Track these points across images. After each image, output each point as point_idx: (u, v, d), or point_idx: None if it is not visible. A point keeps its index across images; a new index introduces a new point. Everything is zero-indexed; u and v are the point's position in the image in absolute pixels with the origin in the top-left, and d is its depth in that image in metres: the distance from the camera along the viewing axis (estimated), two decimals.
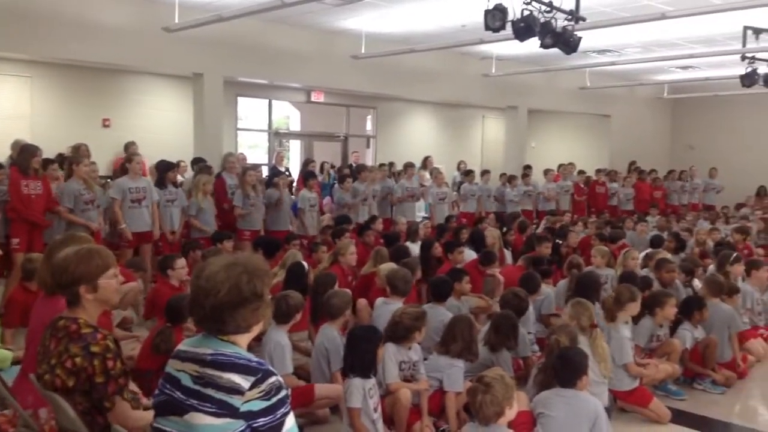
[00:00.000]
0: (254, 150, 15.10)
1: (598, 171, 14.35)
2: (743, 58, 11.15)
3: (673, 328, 5.74)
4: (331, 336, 4.63)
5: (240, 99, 14.01)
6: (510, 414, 3.40)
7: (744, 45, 10.58)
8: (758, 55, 11.06)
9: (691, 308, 5.76)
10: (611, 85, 16.49)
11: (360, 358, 3.95)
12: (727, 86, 14.49)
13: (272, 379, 2.07)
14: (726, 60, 12.53)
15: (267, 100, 14.67)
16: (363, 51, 11.95)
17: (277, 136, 15.57)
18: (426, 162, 13.52)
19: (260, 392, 2.03)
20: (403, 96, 15.02)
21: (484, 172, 12.88)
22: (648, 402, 4.94)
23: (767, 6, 8.65)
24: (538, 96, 15.70)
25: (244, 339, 2.18)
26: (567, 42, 7.86)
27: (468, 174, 12.61)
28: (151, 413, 2.39)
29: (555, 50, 8.27)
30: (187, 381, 2.11)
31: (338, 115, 15.97)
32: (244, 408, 2.02)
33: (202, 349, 2.14)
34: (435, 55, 13.05)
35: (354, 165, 13.37)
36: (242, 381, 2.04)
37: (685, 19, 9.52)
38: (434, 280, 5.91)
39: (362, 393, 3.84)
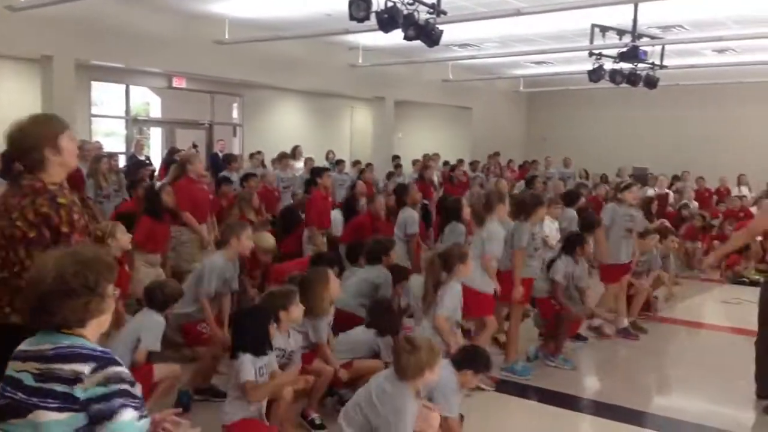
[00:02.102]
0: (111, 138, 14.31)
1: (460, 161, 14.87)
2: (591, 54, 11.91)
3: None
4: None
5: (94, 84, 13.22)
6: (430, 377, 3.50)
7: (591, 42, 11.30)
8: (604, 52, 11.84)
9: (572, 244, 6.05)
10: (472, 78, 17.13)
11: (248, 336, 3.84)
12: (577, 81, 15.42)
13: (116, 368, 2.01)
14: (575, 56, 13.33)
15: (124, 86, 13.96)
16: (227, 36, 11.64)
17: (136, 123, 14.85)
18: (295, 152, 13.44)
19: (99, 378, 1.98)
20: (270, 84, 14.79)
21: (356, 163, 13.02)
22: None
23: (613, 5, 9.32)
24: (404, 87, 16.01)
25: (91, 332, 2.11)
26: (429, 35, 8.06)
27: (338, 164, 12.71)
28: None
29: (419, 43, 8.46)
30: (29, 380, 2.01)
31: (202, 102, 15.49)
32: (84, 396, 1.96)
33: (43, 345, 2.05)
34: (302, 43, 12.96)
35: (220, 153, 13.06)
36: (83, 367, 1.98)
37: (538, 16, 10.04)
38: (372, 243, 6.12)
39: (254, 368, 3.75)
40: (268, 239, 6.26)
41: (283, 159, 11.09)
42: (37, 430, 1.97)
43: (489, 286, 5.32)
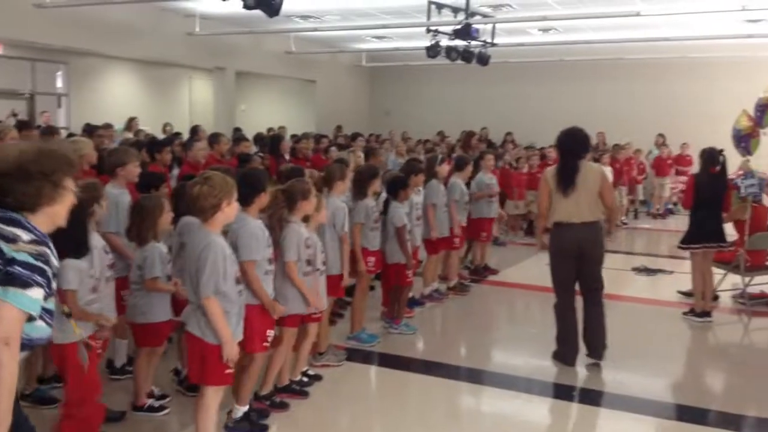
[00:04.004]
0: None
1: (306, 134, 14.82)
2: (428, 30, 12.26)
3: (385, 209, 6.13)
4: None
5: None
6: (228, 212, 3.51)
7: (428, 18, 11.62)
8: (441, 29, 12.23)
9: (396, 187, 6.16)
10: (315, 51, 17.07)
11: (66, 237, 3.58)
12: (417, 57, 15.78)
13: (48, 250, 2.19)
14: (414, 32, 13.64)
15: None
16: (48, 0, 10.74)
17: None
18: (131, 124, 12.76)
19: (33, 248, 2.15)
20: (99, 51, 13.80)
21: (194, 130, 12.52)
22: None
23: None
24: (245, 58, 15.62)
25: (41, 220, 2.27)
26: (269, 4, 7.91)
27: (176, 136, 12.19)
28: None
29: (260, 12, 8.28)
30: None
31: (22, 70, 14.19)
32: (11, 255, 2.12)
33: None
34: (133, 8, 12.24)
35: (43, 126, 12.07)
36: (24, 234, 2.17)
37: None
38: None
39: (78, 274, 3.56)
40: None
41: (108, 129, 10.43)
42: None
43: (335, 267, 5.26)
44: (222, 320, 3.46)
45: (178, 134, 12.27)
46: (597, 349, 5.49)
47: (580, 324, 5.53)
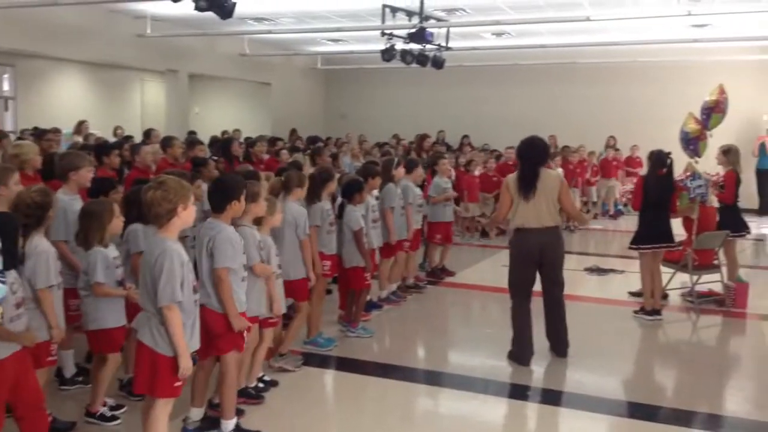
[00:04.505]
0: None
1: (261, 137, 14.68)
2: (383, 34, 12.28)
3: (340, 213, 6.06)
4: None
5: None
6: (185, 216, 3.41)
7: (383, 22, 11.64)
8: (396, 32, 12.26)
9: (352, 190, 6.11)
10: (270, 54, 16.93)
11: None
12: (372, 60, 15.79)
13: None
14: (369, 35, 13.63)
15: None
16: None
17: None
18: (81, 127, 12.46)
19: None
20: (47, 53, 13.45)
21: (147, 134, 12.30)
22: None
23: None
24: (198, 60, 15.41)
25: None
26: (221, 6, 7.83)
27: (128, 140, 11.95)
28: None
29: (212, 14, 8.18)
30: None
31: None
32: None
33: None
34: (82, 9, 11.96)
35: None
36: None
37: None
38: None
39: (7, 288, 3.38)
40: None
41: (55, 133, 10.20)
42: None
43: (301, 271, 5.24)
44: (180, 331, 3.37)
45: (129, 138, 12.03)
46: (561, 346, 5.66)
47: (535, 325, 5.62)
